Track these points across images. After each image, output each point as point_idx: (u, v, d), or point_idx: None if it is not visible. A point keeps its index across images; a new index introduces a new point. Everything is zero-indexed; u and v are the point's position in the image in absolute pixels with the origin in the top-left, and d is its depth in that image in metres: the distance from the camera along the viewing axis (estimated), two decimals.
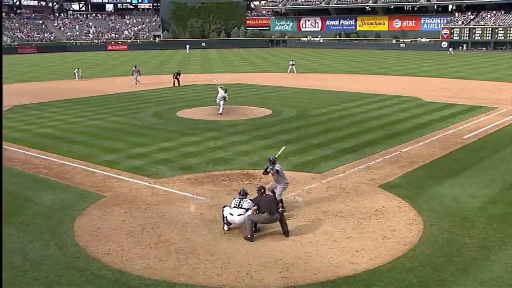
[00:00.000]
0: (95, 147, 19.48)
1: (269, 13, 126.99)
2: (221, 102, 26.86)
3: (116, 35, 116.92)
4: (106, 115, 27.05)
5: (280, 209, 11.33)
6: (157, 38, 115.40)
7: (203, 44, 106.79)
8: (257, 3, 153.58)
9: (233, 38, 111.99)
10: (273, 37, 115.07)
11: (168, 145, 19.58)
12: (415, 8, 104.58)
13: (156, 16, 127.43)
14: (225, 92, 27.01)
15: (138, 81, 41.48)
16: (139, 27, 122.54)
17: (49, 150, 19.00)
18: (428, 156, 17.70)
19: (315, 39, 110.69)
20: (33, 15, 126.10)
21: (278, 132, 21.96)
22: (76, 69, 47.11)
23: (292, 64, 51.56)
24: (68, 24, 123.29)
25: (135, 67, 42.83)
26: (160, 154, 18.13)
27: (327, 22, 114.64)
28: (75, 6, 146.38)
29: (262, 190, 11.43)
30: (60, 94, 36.12)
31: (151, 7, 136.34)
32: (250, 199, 11.42)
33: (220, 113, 26.44)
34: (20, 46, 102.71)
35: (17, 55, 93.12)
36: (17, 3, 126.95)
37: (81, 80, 45.43)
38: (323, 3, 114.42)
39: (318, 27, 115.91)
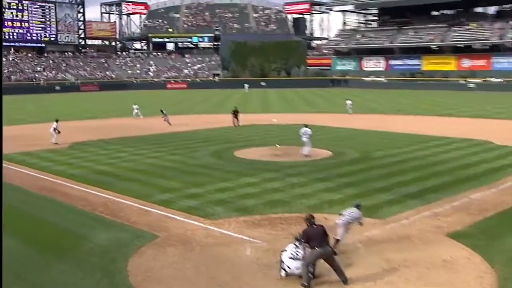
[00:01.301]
0: (151, 186, 19.84)
1: (330, 52, 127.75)
2: (305, 139, 26.12)
3: (176, 74, 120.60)
4: (163, 153, 27.62)
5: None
6: (216, 77, 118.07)
7: (263, 83, 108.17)
8: (318, 42, 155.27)
9: (293, 77, 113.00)
10: (334, 77, 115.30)
11: (225, 186, 19.67)
12: (486, 47, 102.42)
13: (216, 55, 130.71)
14: (306, 127, 26.45)
15: (169, 123, 41.62)
16: (199, 65, 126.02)
17: (106, 188, 19.50)
18: (500, 203, 16.89)
19: (378, 79, 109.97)
20: (97, 53, 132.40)
21: (339, 174, 21.67)
22: (135, 106, 48.86)
23: (351, 104, 51.52)
24: (130, 62, 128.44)
25: (162, 111, 42.92)
26: (217, 195, 18.22)
27: (391, 62, 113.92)
28: (137, 45, 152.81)
29: (312, 220, 11.03)
30: (119, 132, 37.27)
31: (211, 46, 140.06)
32: (302, 241, 11.01)
33: (306, 155, 25.81)
34: (83, 84, 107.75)
35: (79, 93, 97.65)
36: (83, 42, 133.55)
37: (139, 118, 46.83)
38: (386, 42, 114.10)
39: (381, 67, 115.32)
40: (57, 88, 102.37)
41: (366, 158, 25.93)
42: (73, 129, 37.34)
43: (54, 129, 31.64)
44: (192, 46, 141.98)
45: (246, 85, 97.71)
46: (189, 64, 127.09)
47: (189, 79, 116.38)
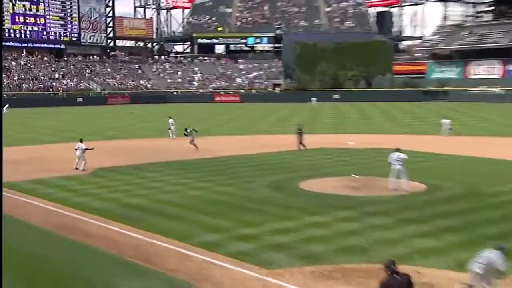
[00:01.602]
0: (193, 224, 20.02)
1: (425, 56, 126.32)
2: (399, 167, 25.92)
3: (227, 83, 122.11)
4: (210, 184, 27.94)
5: None
6: (276, 88, 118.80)
7: (336, 96, 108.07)
8: (409, 42, 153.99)
9: (375, 88, 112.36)
10: (429, 88, 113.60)
11: (286, 226, 19.62)
12: None
13: (277, 60, 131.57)
14: (398, 151, 26.41)
15: (195, 145, 41.31)
16: (256, 73, 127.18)
17: (138, 226, 19.79)
18: None
19: (491, 89, 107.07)
20: (128, 58, 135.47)
21: (435, 215, 21.23)
22: (171, 120, 49.76)
23: (449, 123, 50.90)
24: (169, 69, 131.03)
25: (186, 130, 42.34)
26: (275, 237, 18.19)
27: (510, 67, 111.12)
28: (179, 48, 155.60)
29: (393, 267, 10.57)
30: (155, 155, 38.08)
31: (271, 49, 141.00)
32: None
33: (406, 190, 25.52)
34: (111, 95, 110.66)
35: (106, 106, 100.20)
36: (111, 43, 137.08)
37: (179, 138, 47.52)
38: (504, 40, 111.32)
39: (496, 74, 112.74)
40: (79, 99, 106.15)
41: (472, 194, 25.31)
42: (97, 151, 38.18)
43: (85, 150, 32.19)
44: (247, 48, 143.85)
45: (313, 99, 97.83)
46: (243, 72, 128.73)
47: (242, 90, 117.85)
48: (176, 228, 19.53)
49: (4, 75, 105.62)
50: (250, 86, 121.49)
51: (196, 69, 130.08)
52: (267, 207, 22.81)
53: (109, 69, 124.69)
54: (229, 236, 18.42)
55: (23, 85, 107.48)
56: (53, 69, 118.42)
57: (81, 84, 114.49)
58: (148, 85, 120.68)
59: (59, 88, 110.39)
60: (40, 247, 17.81)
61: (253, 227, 19.56)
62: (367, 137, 48.67)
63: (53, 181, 28.84)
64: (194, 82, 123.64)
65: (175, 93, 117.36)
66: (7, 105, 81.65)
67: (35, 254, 17.07)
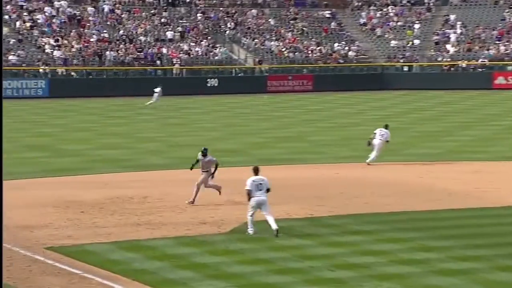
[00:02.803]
0: None
1: None
2: None
3: None
4: (481, 264, 26.93)
5: None
6: None
7: None
8: None
9: None
10: None
11: None
12: None
13: None
14: None
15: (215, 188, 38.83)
16: None
17: None
18: None
19: None
20: None
21: None
22: (380, 131, 49.75)
23: None
24: (394, 18, 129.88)
25: (204, 152, 38.27)
26: None
27: None
28: None
29: None
30: (356, 199, 38.23)
31: None
32: None
33: None
34: (273, 74, 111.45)
35: (270, 95, 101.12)
36: None
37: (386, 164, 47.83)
38: None
39: None
40: (212, 82, 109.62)
41: None
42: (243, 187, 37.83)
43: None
44: None
45: None
46: None
47: None
48: None
49: (73, 33, 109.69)
50: None
51: (452, 17, 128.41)
52: None
53: (271, 21, 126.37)
54: None
55: (107, 52, 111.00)
56: (162, 20, 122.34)
57: (216, 51, 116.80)
58: (351, 53, 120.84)
59: (174, 60, 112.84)
60: None
61: None
62: None
63: (159, 246, 28.98)
64: (448, 46, 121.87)
65: (405, 69, 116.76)
66: (159, 88, 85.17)
67: None
